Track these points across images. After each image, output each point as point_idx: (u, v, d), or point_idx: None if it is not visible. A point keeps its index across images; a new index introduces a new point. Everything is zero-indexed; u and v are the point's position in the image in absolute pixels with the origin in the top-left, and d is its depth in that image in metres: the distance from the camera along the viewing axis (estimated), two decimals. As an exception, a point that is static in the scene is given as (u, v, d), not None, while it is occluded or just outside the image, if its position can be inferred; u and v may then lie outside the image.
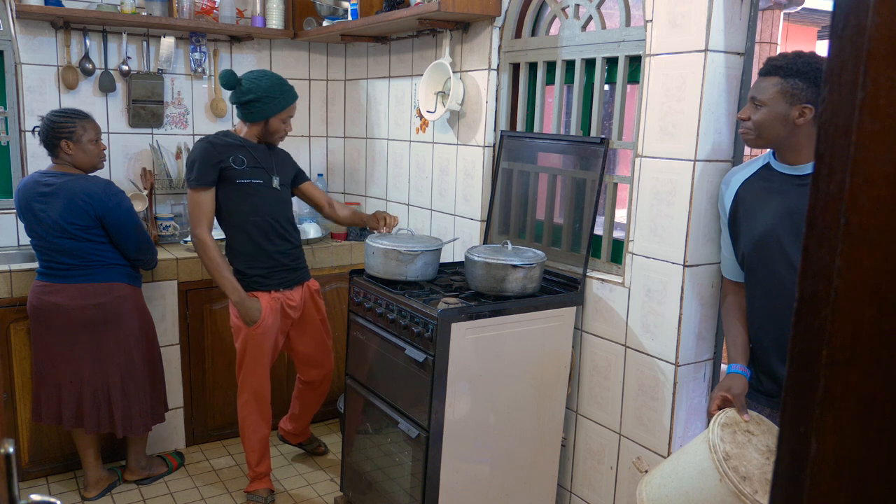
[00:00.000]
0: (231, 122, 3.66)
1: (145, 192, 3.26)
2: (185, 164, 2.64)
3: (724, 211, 1.96)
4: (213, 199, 2.60)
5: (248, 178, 2.62)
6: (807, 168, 1.76)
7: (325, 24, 3.40)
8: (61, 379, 2.65)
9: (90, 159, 2.63)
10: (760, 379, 1.90)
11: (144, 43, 3.36)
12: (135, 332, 2.72)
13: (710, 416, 1.74)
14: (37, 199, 2.56)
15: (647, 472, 1.97)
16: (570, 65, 2.58)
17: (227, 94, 3.43)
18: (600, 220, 2.46)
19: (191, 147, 3.43)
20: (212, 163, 2.56)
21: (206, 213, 2.58)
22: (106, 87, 3.29)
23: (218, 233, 2.76)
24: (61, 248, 2.56)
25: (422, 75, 3.05)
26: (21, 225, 3.17)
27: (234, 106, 2.67)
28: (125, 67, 3.31)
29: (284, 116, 2.65)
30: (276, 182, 2.71)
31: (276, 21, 3.51)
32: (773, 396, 1.88)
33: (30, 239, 2.65)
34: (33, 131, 2.67)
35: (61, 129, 2.56)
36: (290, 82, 3.76)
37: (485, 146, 2.88)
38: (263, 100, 2.59)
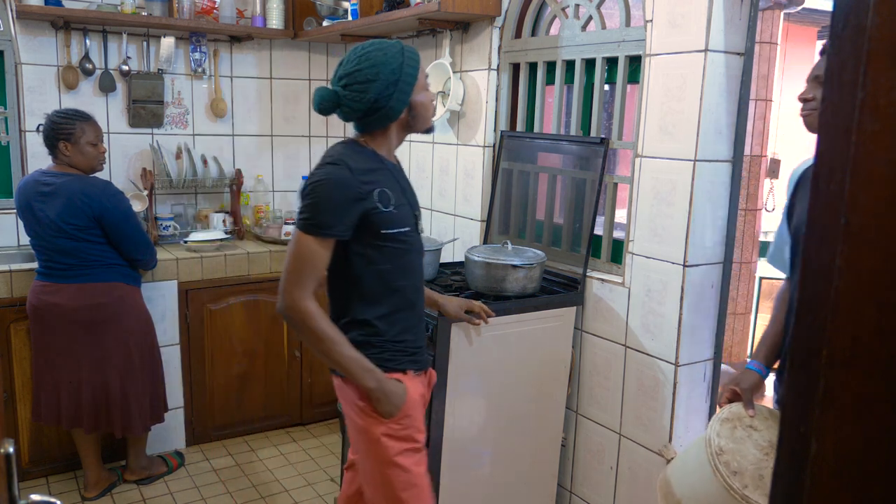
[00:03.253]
0: (232, 122, 3.66)
1: (145, 193, 3.26)
2: (304, 193, 1.68)
3: (787, 200, 1.85)
4: (331, 252, 1.68)
5: (396, 225, 1.73)
6: None
7: (325, 24, 3.40)
8: (60, 379, 2.65)
9: (88, 161, 2.62)
10: None
11: (144, 43, 3.36)
12: (134, 333, 2.72)
13: (720, 409, 1.74)
14: (36, 199, 2.56)
15: (671, 460, 1.98)
16: (570, 65, 2.58)
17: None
18: (600, 220, 2.46)
19: (188, 147, 3.44)
20: (351, 200, 1.65)
21: (318, 271, 1.67)
22: (106, 87, 3.29)
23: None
24: (60, 248, 2.56)
25: (422, 75, 3.04)
26: (21, 225, 3.17)
27: (357, 125, 1.79)
28: (125, 67, 3.31)
29: (423, 83, 1.77)
30: (420, 222, 1.90)
31: (276, 21, 3.51)
32: None
33: (29, 238, 2.66)
34: (37, 129, 2.66)
35: (60, 130, 2.56)
36: (290, 83, 3.81)
37: (485, 146, 2.88)
38: (393, 83, 1.68)
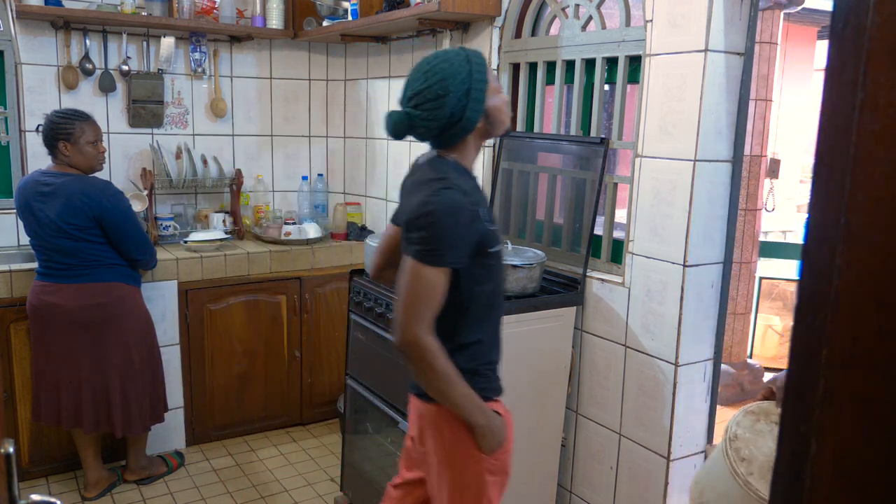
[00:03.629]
0: (232, 122, 3.66)
1: (145, 193, 3.26)
2: (420, 221, 1.55)
3: None
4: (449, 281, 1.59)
5: (497, 242, 1.67)
6: None
7: (325, 24, 3.40)
8: (60, 379, 2.65)
9: (87, 161, 2.62)
10: None
11: (144, 43, 3.36)
12: (134, 333, 2.72)
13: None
14: (36, 199, 2.56)
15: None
16: (570, 65, 2.58)
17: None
18: (600, 220, 2.46)
19: (188, 147, 3.43)
20: (467, 224, 1.56)
21: (437, 303, 1.57)
22: (106, 87, 3.29)
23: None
24: (60, 248, 2.56)
25: (422, 75, 3.04)
26: (21, 225, 3.17)
27: (434, 142, 1.70)
28: (125, 67, 3.31)
29: (495, 87, 1.66)
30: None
31: (276, 21, 3.51)
32: None
33: (29, 239, 2.66)
34: (36, 129, 2.66)
35: (60, 130, 2.56)
36: (290, 83, 3.81)
37: (485, 146, 2.88)
38: (467, 94, 1.59)
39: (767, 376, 4.45)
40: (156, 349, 2.86)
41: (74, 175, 2.59)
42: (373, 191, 3.76)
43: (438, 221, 1.52)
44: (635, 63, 2.31)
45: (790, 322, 3.95)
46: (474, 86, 1.58)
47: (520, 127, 2.80)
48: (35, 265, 2.71)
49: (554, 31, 2.68)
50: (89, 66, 3.23)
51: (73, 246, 2.56)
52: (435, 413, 1.68)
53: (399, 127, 1.62)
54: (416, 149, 3.33)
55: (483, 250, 1.60)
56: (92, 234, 2.58)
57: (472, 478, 1.67)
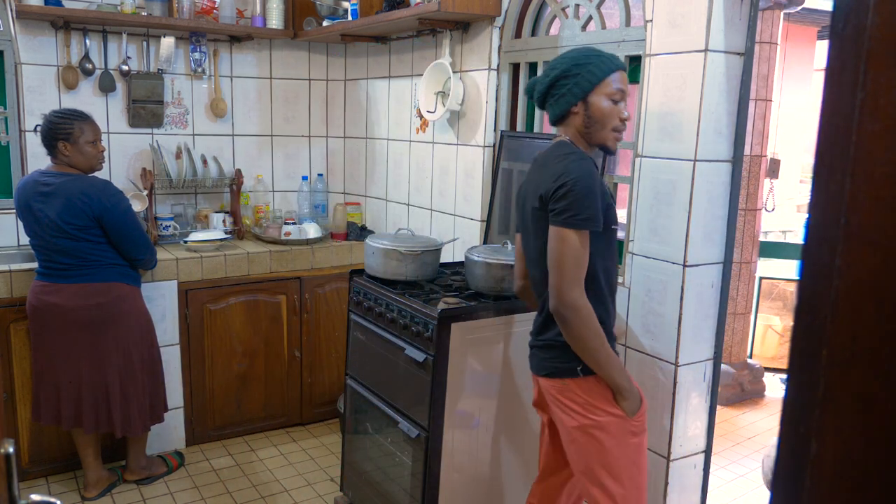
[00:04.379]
0: (232, 122, 3.66)
1: (145, 193, 3.27)
2: (565, 187, 1.67)
3: None
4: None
5: (616, 220, 1.81)
6: None
7: (325, 24, 3.40)
8: (60, 379, 2.65)
9: (87, 161, 2.62)
10: None
11: (144, 43, 3.36)
12: (133, 333, 2.72)
13: None
14: (36, 199, 2.56)
15: None
16: (570, 65, 2.58)
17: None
18: (600, 220, 2.46)
19: (188, 146, 3.43)
20: (600, 193, 1.71)
21: (585, 265, 1.70)
22: (106, 87, 3.29)
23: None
24: (59, 248, 2.56)
25: (422, 75, 3.05)
26: (21, 225, 3.17)
27: (546, 110, 1.86)
28: (125, 67, 3.31)
29: (610, 91, 1.74)
30: None
31: (276, 21, 3.52)
32: None
33: (29, 239, 2.65)
34: (35, 130, 2.66)
35: (59, 130, 2.55)
36: (290, 83, 3.81)
37: (485, 146, 2.88)
38: (572, 70, 1.74)
39: (767, 376, 4.45)
40: (155, 349, 2.86)
41: (74, 175, 2.59)
42: (373, 191, 3.76)
43: (577, 188, 1.67)
44: (635, 63, 2.31)
45: (790, 322, 3.96)
46: (585, 73, 1.73)
47: (520, 127, 2.80)
48: (35, 265, 2.71)
49: (554, 31, 2.68)
50: (89, 66, 3.23)
51: (73, 246, 2.56)
52: (573, 388, 1.77)
53: (529, 85, 1.87)
54: (416, 149, 3.33)
55: (608, 224, 1.74)
56: (92, 234, 2.58)
57: (620, 441, 1.76)
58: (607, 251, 1.77)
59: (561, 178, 1.69)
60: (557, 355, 1.78)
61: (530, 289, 1.99)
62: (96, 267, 2.62)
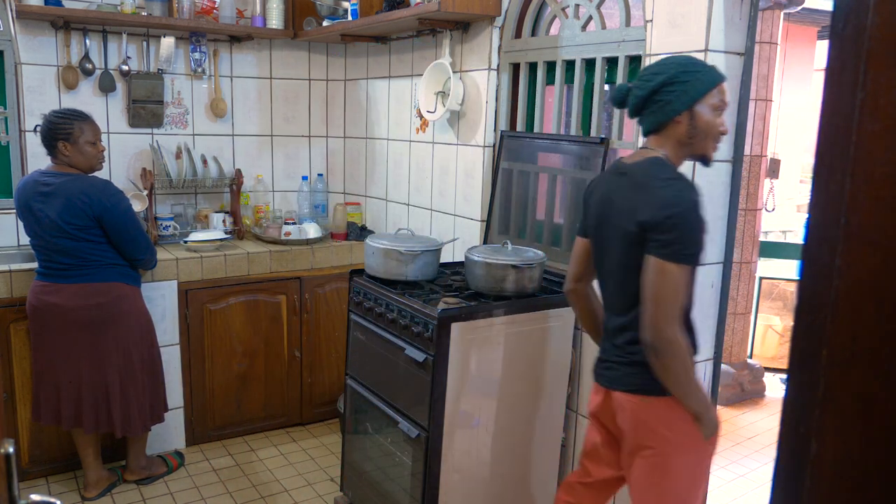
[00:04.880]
0: (232, 122, 3.66)
1: (145, 193, 3.27)
2: (668, 221, 1.60)
3: None
4: None
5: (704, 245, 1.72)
6: None
7: (325, 24, 3.40)
8: (60, 379, 2.65)
9: (87, 161, 2.62)
10: None
11: (144, 43, 3.36)
12: (133, 333, 2.72)
13: None
14: (36, 199, 2.56)
15: None
16: (570, 65, 2.58)
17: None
18: (600, 220, 2.46)
19: (188, 146, 3.43)
20: (704, 223, 1.66)
21: (683, 300, 1.67)
22: (106, 87, 3.29)
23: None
24: (60, 248, 2.56)
25: (422, 75, 3.05)
26: (21, 225, 3.17)
27: (640, 119, 1.77)
28: (125, 67, 3.31)
29: (715, 102, 1.68)
30: None
31: (276, 21, 3.52)
32: None
33: (29, 239, 2.65)
34: (35, 130, 2.66)
35: (59, 130, 2.55)
36: (290, 83, 3.81)
37: (485, 146, 2.88)
38: (679, 77, 1.66)
39: (767, 376, 4.45)
40: (156, 349, 2.86)
41: (74, 175, 2.59)
42: (373, 191, 3.76)
43: (687, 221, 1.60)
44: (635, 63, 2.31)
45: (790, 322, 3.96)
46: (693, 82, 1.65)
47: (520, 127, 2.80)
48: (35, 265, 2.71)
49: (554, 31, 2.68)
50: (89, 66, 3.23)
51: (74, 246, 2.56)
52: (657, 406, 1.74)
53: (618, 93, 1.77)
54: (416, 149, 3.33)
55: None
56: (92, 234, 2.58)
57: (697, 458, 1.77)
58: (692, 280, 1.71)
59: (670, 209, 1.60)
60: (645, 371, 1.72)
61: (581, 293, 1.98)
62: (96, 267, 2.61)
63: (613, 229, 1.76)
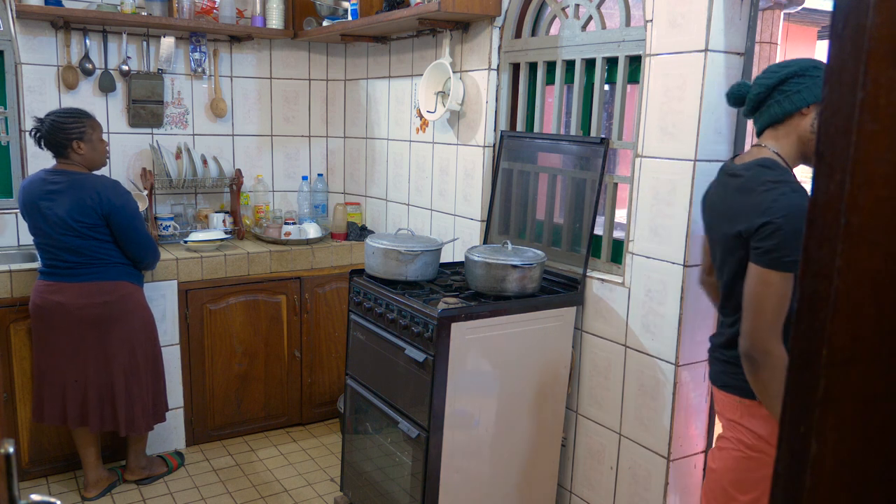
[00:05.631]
0: (232, 122, 3.66)
1: (145, 193, 3.27)
2: (773, 224, 1.54)
3: None
4: None
5: None
6: None
7: (325, 24, 3.40)
8: (66, 378, 2.66)
9: (99, 157, 2.68)
10: None
11: (144, 43, 3.36)
12: (138, 331, 2.73)
13: None
14: (44, 197, 2.57)
15: None
16: (570, 65, 2.58)
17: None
18: (600, 220, 2.46)
19: (188, 146, 3.43)
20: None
21: (785, 309, 1.57)
22: (106, 87, 3.29)
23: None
24: (67, 246, 2.57)
25: (422, 75, 3.05)
26: (21, 225, 3.17)
27: (757, 115, 1.71)
28: (125, 67, 3.31)
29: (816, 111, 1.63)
30: None
31: (276, 21, 3.51)
32: None
33: (34, 238, 2.66)
34: (31, 133, 2.64)
35: (72, 130, 2.59)
36: (290, 83, 3.81)
37: (485, 146, 2.88)
38: (810, 71, 1.62)
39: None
40: (158, 348, 2.87)
41: (84, 173, 2.63)
42: (373, 191, 3.76)
43: (787, 227, 1.52)
44: (635, 63, 2.31)
45: (790, 322, 3.94)
46: (819, 80, 1.59)
47: (520, 127, 2.80)
48: (36, 265, 2.71)
49: (554, 31, 2.68)
50: (89, 66, 3.23)
51: (81, 244, 2.58)
52: (752, 406, 1.70)
53: (737, 87, 1.72)
54: (416, 149, 3.33)
55: None
56: (99, 232, 2.60)
57: (762, 466, 1.71)
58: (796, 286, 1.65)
59: (767, 214, 1.54)
60: (738, 372, 1.69)
61: (713, 285, 1.94)
62: (103, 265, 2.63)
63: (718, 233, 1.74)
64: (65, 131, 2.58)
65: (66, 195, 2.55)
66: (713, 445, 1.91)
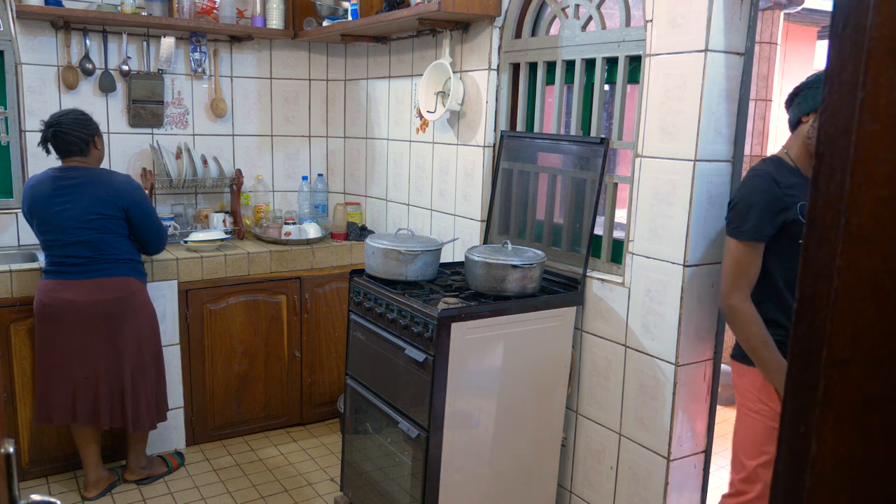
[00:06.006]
0: (232, 122, 3.66)
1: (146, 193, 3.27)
2: (733, 201, 1.94)
3: None
4: (761, 258, 1.92)
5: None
6: None
7: (325, 24, 3.40)
8: (76, 375, 2.66)
9: (104, 153, 2.77)
10: None
11: (144, 43, 3.36)
12: (144, 328, 2.74)
13: None
14: (57, 194, 2.58)
15: None
16: (570, 65, 2.58)
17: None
18: (600, 220, 2.46)
19: (188, 146, 3.43)
20: (775, 211, 1.88)
21: (751, 275, 1.91)
22: (106, 87, 3.29)
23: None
24: (80, 241, 2.59)
25: (422, 75, 3.05)
26: (21, 225, 3.17)
27: (795, 104, 1.98)
28: (125, 67, 3.31)
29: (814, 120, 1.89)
30: None
31: (276, 21, 3.51)
32: None
33: (41, 237, 2.65)
34: (45, 134, 2.61)
35: (92, 127, 2.66)
36: (290, 83, 3.81)
37: (485, 146, 2.88)
38: (812, 85, 1.93)
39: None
40: (161, 346, 2.88)
41: (98, 169, 2.68)
42: (373, 191, 3.76)
43: (742, 202, 1.90)
44: (635, 63, 2.31)
45: (790, 322, 3.94)
46: (817, 92, 1.86)
47: (520, 127, 2.80)
48: (37, 265, 2.71)
49: (554, 31, 2.68)
50: (89, 66, 3.23)
51: (97, 238, 2.61)
52: (749, 371, 1.99)
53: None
54: (416, 149, 3.33)
55: (794, 241, 1.89)
56: (115, 225, 2.64)
57: (760, 427, 1.96)
58: (792, 261, 1.91)
59: (734, 194, 1.95)
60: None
61: None
62: (113, 262, 2.65)
63: None
64: (87, 127, 2.64)
65: (83, 189, 2.59)
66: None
